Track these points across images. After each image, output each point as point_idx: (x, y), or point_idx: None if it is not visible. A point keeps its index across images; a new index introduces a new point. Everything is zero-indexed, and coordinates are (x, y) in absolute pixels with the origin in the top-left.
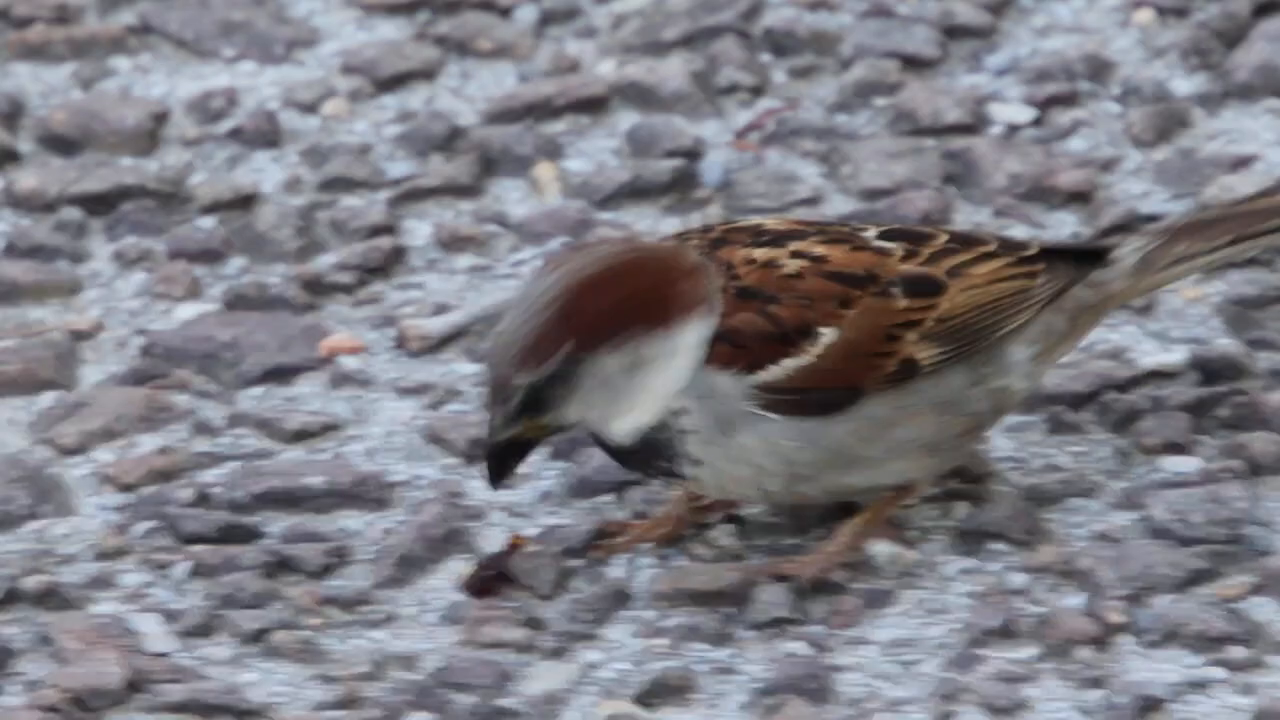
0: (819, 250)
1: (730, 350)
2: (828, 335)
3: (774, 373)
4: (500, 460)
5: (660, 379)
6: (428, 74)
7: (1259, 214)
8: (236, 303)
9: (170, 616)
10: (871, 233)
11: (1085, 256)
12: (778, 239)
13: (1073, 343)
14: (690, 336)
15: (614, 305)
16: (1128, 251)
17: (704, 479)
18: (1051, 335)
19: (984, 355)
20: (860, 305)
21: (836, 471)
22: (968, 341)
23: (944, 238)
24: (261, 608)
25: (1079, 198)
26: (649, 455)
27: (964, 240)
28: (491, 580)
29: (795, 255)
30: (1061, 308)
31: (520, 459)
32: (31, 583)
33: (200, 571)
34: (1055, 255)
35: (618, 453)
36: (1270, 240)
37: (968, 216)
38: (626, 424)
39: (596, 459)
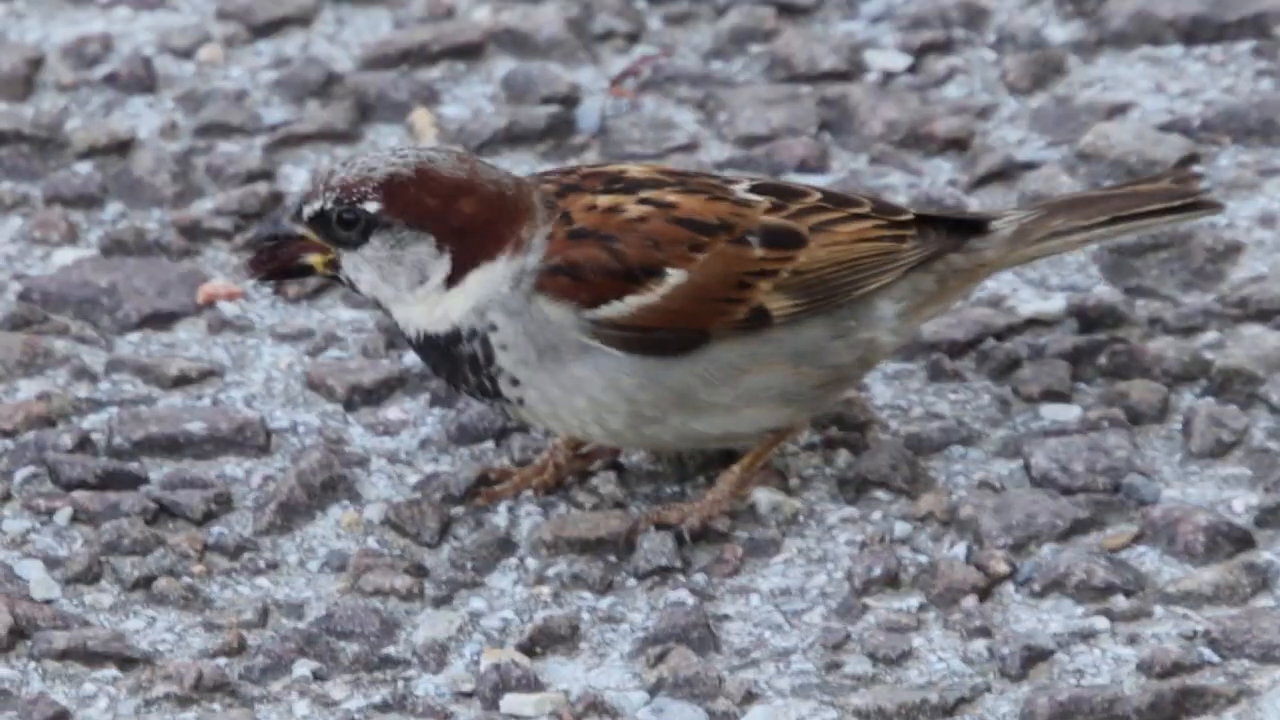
0: (671, 198)
1: (569, 283)
2: (675, 277)
3: (617, 309)
4: (269, 253)
5: (442, 293)
6: (303, 20)
7: (1138, 197)
8: (114, 248)
9: (53, 563)
10: (742, 185)
11: (963, 225)
12: (631, 186)
13: (943, 303)
14: (487, 272)
15: (427, 205)
16: (1005, 223)
17: (531, 403)
18: (919, 295)
19: (848, 309)
20: (712, 250)
21: (684, 415)
22: (825, 296)
23: (816, 196)
24: (144, 554)
25: (955, 145)
26: (455, 362)
27: (837, 200)
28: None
29: (643, 202)
30: (931, 269)
31: (285, 273)
32: None
33: (82, 518)
34: (930, 222)
35: (420, 350)
36: (1146, 223)
37: (844, 164)
38: (413, 318)
39: (475, 406)
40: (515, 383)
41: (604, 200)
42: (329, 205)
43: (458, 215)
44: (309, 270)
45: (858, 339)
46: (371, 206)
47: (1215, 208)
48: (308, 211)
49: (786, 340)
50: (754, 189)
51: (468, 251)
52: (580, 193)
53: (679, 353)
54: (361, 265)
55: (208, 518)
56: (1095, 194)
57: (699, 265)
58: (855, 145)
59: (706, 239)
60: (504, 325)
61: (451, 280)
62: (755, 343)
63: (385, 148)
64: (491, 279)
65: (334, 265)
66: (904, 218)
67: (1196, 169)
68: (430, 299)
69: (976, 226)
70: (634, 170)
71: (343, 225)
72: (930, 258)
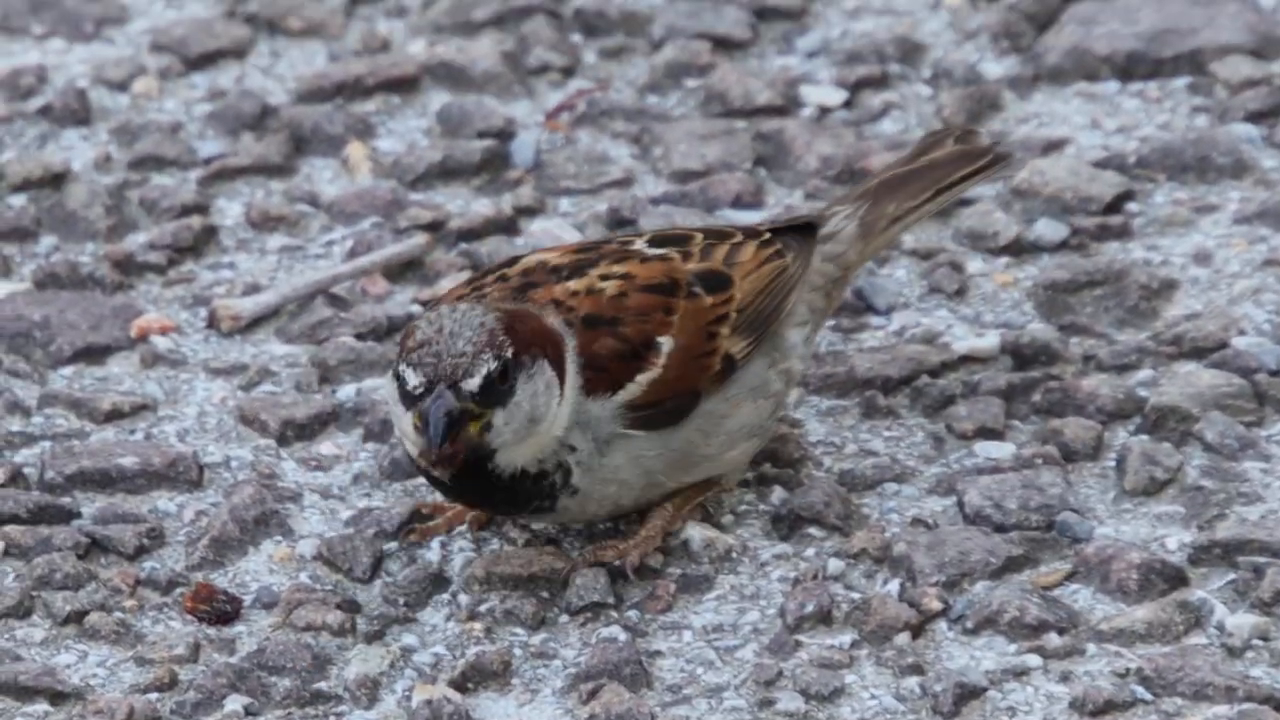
0: (618, 269)
1: (595, 376)
2: (666, 344)
3: (632, 390)
4: (452, 427)
5: (558, 408)
6: (238, 52)
7: (944, 164)
8: (47, 282)
9: None
10: (641, 243)
11: (803, 230)
12: (575, 269)
13: (827, 317)
14: (570, 369)
15: (529, 331)
16: (843, 219)
17: (571, 508)
18: (815, 313)
19: (772, 341)
20: (681, 310)
21: (683, 471)
22: (761, 327)
23: (699, 235)
24: (76, 589)
25: None
26: (530, 491)
27: (716, 234)
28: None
29: (605, 278)
30: (814, 285)
31: (461, 453)
32: None
33: (13, 552)
34: (782, 233)
35: (499, 485)
36: (964, 187)
37: (779, 199)
38: (526, 451)
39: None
40: (574, 493)
41: (576, 284)
42: (489, 368)
43: (538, 330)
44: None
45: (782, 368)
46: (510, 351)
47: (1010, 159)
48: (470, 386)
49: (744, 379)
50: (651, 243)
51: (555, 349)
52: (545, 286)
53: (682, 417)
54: (515, 413)
55: (140, 552)
56: (905, 171)
57: (677, 327)
58: (790, 180)
59: (672, 300)
60: (579, 442)
61: (561, 385)
62: (729, 387)
63: (445, 314)
64: (574, 367)
65: (487, 427)
66: (765, 236)
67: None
68: (554, 416)
69: (811, 227)
70: (550, 258)
71: (502, 380)
72: (807, 265)
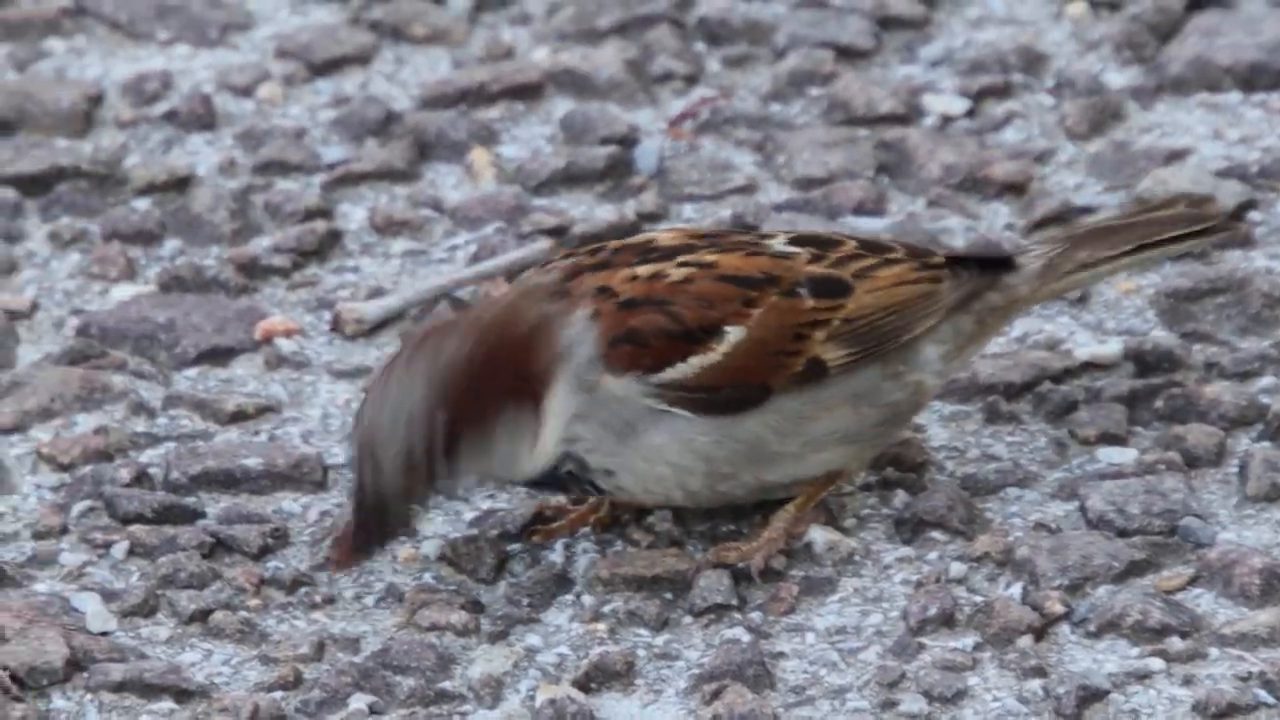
0: (709, 258)
1: (633, 350)
2: (735, 334)
3: (682, 370)
4: (379, 526)
5: (538, 439)
6: (362, 59)
7: (1161, 223)
8: (172, 284)
9: (110, 596)
10: (779, 240)
11: (991, 262)
12: (667, 254)
13: (982, 342)
14: (556, 393)
15: (478, 382)
16: (1031, 258)
17: (626, 485)
18: (960, 336)
19: (896, 355)
20: (765, 304)
21: (757, 467)
22: (875, 343)
23: (852, 244)
24: (201, 588)
25: (1013, 189)
26: (565, 485)
27: (870, 246)
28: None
29: (683, 265)
30: (969, 309)
31: (403, 524)
32: None
33: (139, 551)
34: (960, 261)
35: (533, 484)
36: (1171, 249)
37: (901, 207)
38: (518, 474)
39: None
40: (610, 473)
41: (643, 269)
42: (409, 459)
43: (498, 369)
44: (414, 514)
45: (907, 381)
46: (441, 424)
47: (1233, 229)
48: (395, 477)
49: (844, 384)
50: (792, 241)
51: (526, 381)
52: (612, 269)
53: (746, 408)
54: (468, 468)
55: (264, 552)
56: (1117, 223)
57: (755, 320)
58: (913, 189)
59: (756, 293)
60: (583, 432)
61: (538, 417)
62: (815, 389)
63: (385, 373)
64: (562, 389)
65: (437, 490)
66: (935, 260)
67: (1251, 215)
68: (535, 448)
69: (1005, 262)
70: (663, 237)
71: (430, 458)
72: (967, 297)
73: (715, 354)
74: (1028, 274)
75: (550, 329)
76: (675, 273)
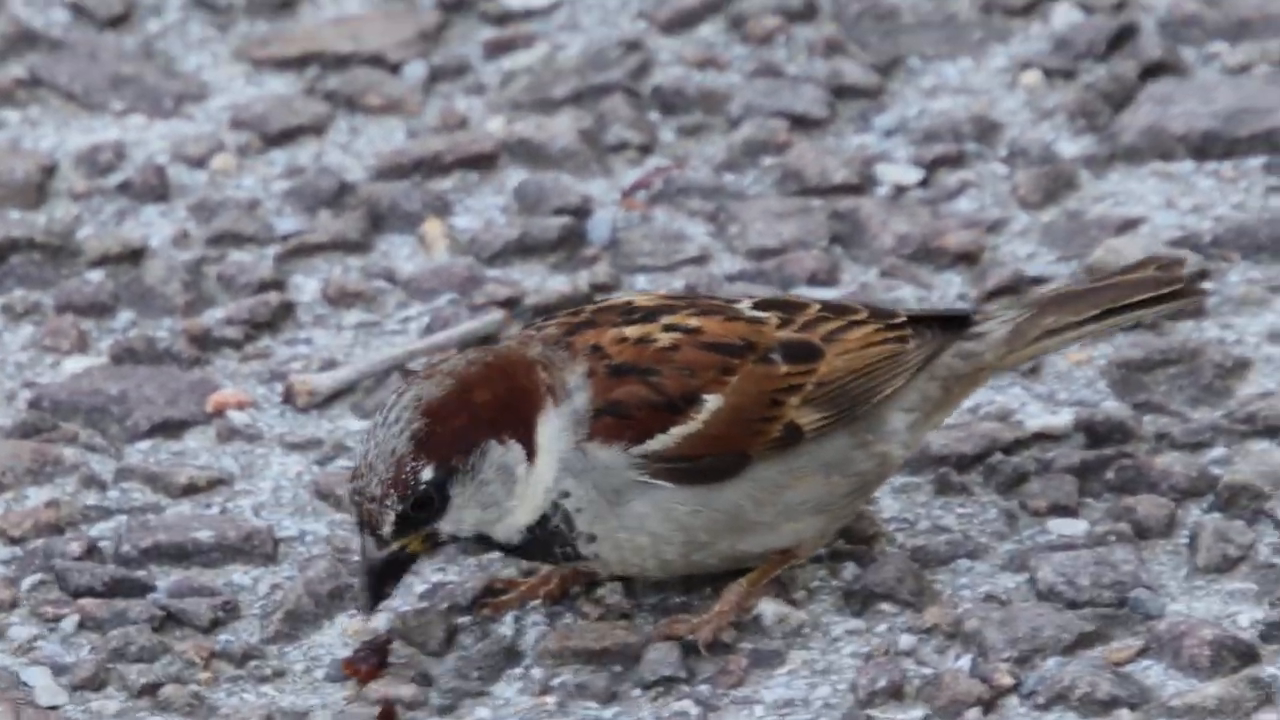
0: (693, 323)
1: (615, 422)
2: (713, 402)
3: (662, 441)
4: (378, 580)
5: (531, 478)
6: (317, 129)
7: (1125, 287)
8: (124, 356)
9: (60, 669)
10: (745, 304)
11: (952, 322)
12: (649, 314)
13: (948, 410)
14: (547, 430)
15: (465, 422)
16: (997, 323)
17: (604, 554)
18: (928, 402)
19: (865, 421)
20: (743, 372)
21: (733, 536)
22: (848, 406)
23: (816, 306)
24: (151, 661)
25: (966, 259)
26: (547, 545)
27: (834, 309)
28: (370, 664)
29: (668, 329)
30: (935, 375)
31: (400, 576)
32: None
33: (89, 625)
34: (923, 322)
35: (513, 550)
36: (1136, 315)
37: (854, 277)
38: (510, 525)
39: None
40: (592, 539)
41: (631, 331)
42: (400, 509)
43: (486, 406)
44: (414, 560)
45: (875, 451)
46: (428, 473)
47: (1200, 294)
48: (388, 530)
49: (817, 452)
50: (757, 306)
51: (517, 418)
52: (600, 328)
53: (725, 477)
54: (461, 516)
55: (214, 625)
56: (1083, 288)
57: (732, 388)
58: (866, 259)
59: (736, 361)
60: (574, 489)
61: (530, 454)
62: (791, 458)
63: (376, 422)
64: (554, 427)
65: (433, 538)
66: (899, 319)
67: (1206, 281)
68: (528, 488)
69: (964, 320)
70: (640, 299)
71: (421, 508)
72: (932, 357)
73: (695, 422)
74: (993, 340)
75: (553, 370)
76: (663, 337)
